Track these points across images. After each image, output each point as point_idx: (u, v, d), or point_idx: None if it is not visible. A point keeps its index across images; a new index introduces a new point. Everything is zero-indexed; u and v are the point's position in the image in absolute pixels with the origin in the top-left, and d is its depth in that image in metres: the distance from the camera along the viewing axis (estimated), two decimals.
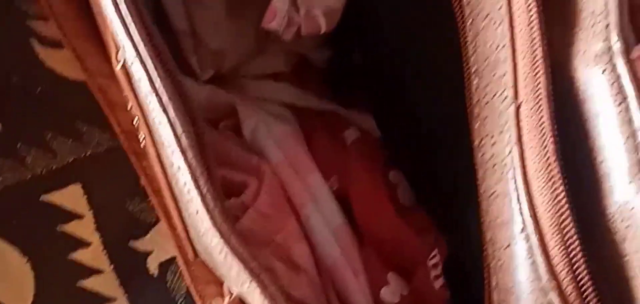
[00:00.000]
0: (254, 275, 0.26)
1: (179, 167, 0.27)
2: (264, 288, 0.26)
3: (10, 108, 0.49)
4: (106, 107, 0.48)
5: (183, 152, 0.27)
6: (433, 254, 0.34)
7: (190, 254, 0.34)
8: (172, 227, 0.44)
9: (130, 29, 0.27)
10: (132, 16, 0.27)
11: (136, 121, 0.34)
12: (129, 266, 0.49)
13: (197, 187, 0.27)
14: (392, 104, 0.37)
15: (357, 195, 0.35)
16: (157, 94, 0.27)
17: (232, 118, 0.36)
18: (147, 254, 0.50)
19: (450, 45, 0.31)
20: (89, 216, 0.49)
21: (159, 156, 0.31)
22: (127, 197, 0.49)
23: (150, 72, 0.27)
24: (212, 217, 0.27)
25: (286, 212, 0.33)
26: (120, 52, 0.30)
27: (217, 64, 0.37)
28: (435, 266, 0.33)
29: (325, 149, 0.36)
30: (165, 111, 0.27)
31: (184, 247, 0.37)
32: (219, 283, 0.38)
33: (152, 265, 0.50)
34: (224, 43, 0.35)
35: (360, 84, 0.39)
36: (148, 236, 0.50)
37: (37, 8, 0.50)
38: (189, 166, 0.27)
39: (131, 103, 0.32)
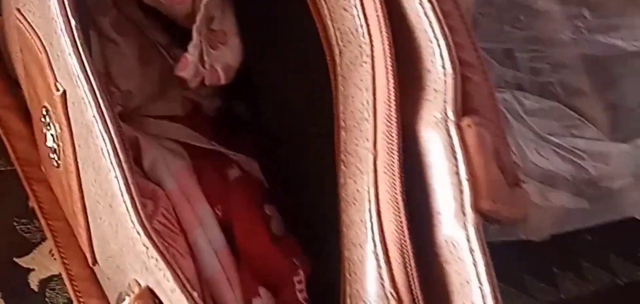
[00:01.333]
0: (171, 262, 0.32)
1: (115, 175, 0.33)
2: (177, 273, 0.32)
3: None
4: (4, 135, 0.53)
5: (120, 163, 0.33)
6: (298, 273, 0.41)
7: (90, 260, 0.39)
8: (65, 240, 0.49)
9: (85, 62, 0.33)
10: (84, 52, 0.33)
11: (54, 143, 0.40)
12: (12, 281, 0.53)
13: (129, 192, 0.33)
14: (270, 150, 0.44)
15: (238, 223, 0.42)
16: (103, 118, 0.33)
17: (134, 151, 0.42)
18: (29, 270, 0.53)
19: (322, 104, 0.39)
20: None
21: (78, 172, 0.37)
22: (15, 217, 0.53)
23: (99, 99, 0.33)
24: (139, 216, 0.33)
25: (176, 231, 0.40)
26: (59, 82, 0.35)
27: (124, 102, 0.43)
28: (299, 282, 0.41)
29: (212, 182, 0.43)
30: (108, 131, 0.33)
31: (80, 255, 0.41)
32: (104, 298, 0.44)
33: (33, 281, 0.53)
34: (133, 86, 0.41)
35: (243, 130, 0.46)
36: (31, 254, 0.53)
37: None
38: (123, 174, 0.32)
39: (60, 128, 0.37)
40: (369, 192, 0.35)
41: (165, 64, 0.43)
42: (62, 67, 0.35)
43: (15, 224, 0.52)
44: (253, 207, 0.42)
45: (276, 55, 0.42)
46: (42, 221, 0.52)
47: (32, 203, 0.53)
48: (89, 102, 0.33)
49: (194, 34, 0.40)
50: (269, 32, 0.42)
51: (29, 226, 0.52)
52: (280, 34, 0.42)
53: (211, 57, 0.41)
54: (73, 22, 0.33)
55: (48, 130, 0.41)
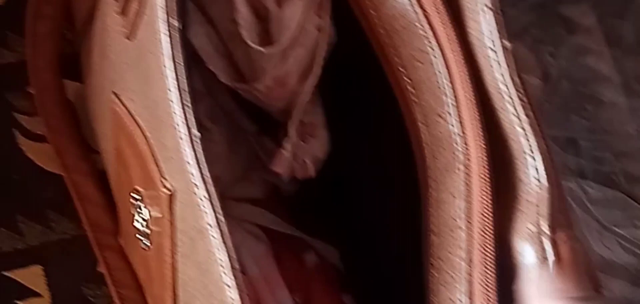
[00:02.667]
0: None
1: (228, 287, 0.33)
2: None
3: None
4: (77, 200, 0.54)
5: (236, 278, 0.34)
6: None
7: None
8: None
9: (205, 173, 0.34)
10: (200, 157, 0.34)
11: (145, 228, 0.41)
12: None
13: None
14: (353, 240, 0.45)
15: None
16: (220, 230, 0.34)
17: None
18: None
19: (409, 204, 0.40)
20: (46, 295, 0.53)
21: (174, 266, 0.38)
22: (84, 282, 0.54)
23: (217, 211, 0.34)
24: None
25: None
26: (169, 182, 0.36)
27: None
28: None
29: (291, 269, 0.44)
30: (224, 243, 0.34)
31: None
32: None
33: None
34: (221, 171, 0.42)
35: (319, 212, 0.47)
36: None
37: (23, 103, 0.55)
38: (239, 289, 0.33)
39: (158, 220, 0.38)
40: (462, 302, 0.36)
41: (251, 149, 0.44)
42: (175, 168, 0.36)
43: (82, 288, 0.53)
44: (332, 297, 0.43)
45: (366, 149, 0.43)
46: (112, 289, 0.53)
47: (102, 269, 0.53)
48: (206, 211, 0.34)
49: (290, 130, 0.41)
50: (360, 126, 0.43)
51: (97, 292, 0.53)
52: (371, 129, 0.43)
53: (301, 150, 0.42)
54: (196, 135, 0.34)
55: (138, 213, 0.42)
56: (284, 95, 0.41)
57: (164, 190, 0.37)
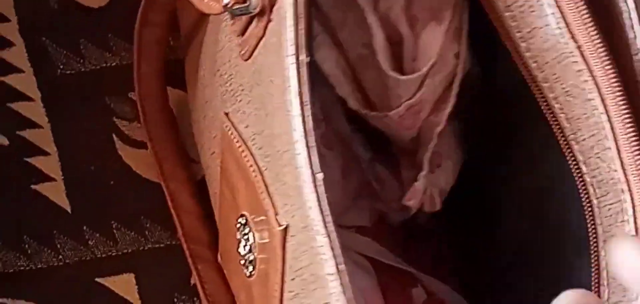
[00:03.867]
0: None
1: None
2: None
3: (83, 193, 0.54)
4: (173, 209, 0.53)
5: None
6: None
7: None
8: None
9: (327, 220, 0.32)
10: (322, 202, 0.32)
11: (251, 254, 0.39)
12: None
13: None
14: (475, 279, 0.43)
15: None
16: (341, 281, 0.32)
17: None
18: None
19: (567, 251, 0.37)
20: None
21: (281, 301, 0.36)
22: (176, 293, 0.53)
23: (337, 259, 0.32)
24: None
25: None
26: (283, 218, 0.35)
27: None
28: None
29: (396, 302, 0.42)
30: (343, 292, 0.32)
31: None
32: None
33: None
34: (333, 197, 0.40)
35: (425, 241, 0.46)
36: None
37: (124, 109, 0.55)
38: None
39: (266, 252, 0.37)
40: None
41: (362, 177, 0.43)
42: (292, 206, 0.34)
43: (175, 300, 0.53)
44: None
45: (514, 187, 0.41)
46: (205, 302, 0.52)
47: (195, 281, 0.53)
48: (327, 261, 0.32)
49: (425, 162, 0.39)
50: (510, 164, 0.41)
51: (189, 303, 0.53)
52: (521, 164, 0.41)
53: (431, 182, 0.40)
54: (320, 178, 0.32)
55: (244, 238, 0.40)
56: (416, 124, 0.39)
57: (277, 225, 0.35)
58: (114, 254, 0.53)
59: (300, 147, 0.32)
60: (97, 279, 0.52)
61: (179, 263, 0.53)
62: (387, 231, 0.45)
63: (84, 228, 0.53)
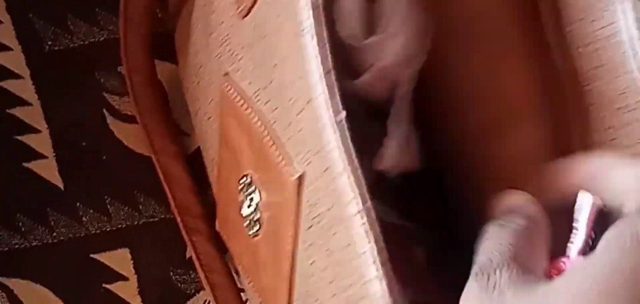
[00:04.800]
0: None
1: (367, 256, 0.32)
2: None
3: (75, 170, 0.53)
4: (165, 182, 0.53)
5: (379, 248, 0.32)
6: None
7: None
8: (224, 296, 0.49)
9: (349, 154, 0.32)
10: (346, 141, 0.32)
11: (256, 213, 0.39)
12: None
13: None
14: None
15: None
16: (368, 215, 0.32)
17: None
18: None
19: None
20: (133, 279, 0.52)
21: (294, 253, 0.36)
22: (172, 266, 0.53)
23: (362, 193, 0.32)
24: None
25: None
26: (297, 167, 0.35)
27: None
28: None
29: (402, 263, 0.42)
30: (372, 228, 0.32)
31: None
32: None
33: None
34: None
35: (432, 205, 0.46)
36: None
37: (114, 83, 0.55)
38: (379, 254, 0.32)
39: (276, 205, 0.37)
40: None
41: (362, 132, 0.43)
42: (310, 152, 0.34)
43: (171, 273, 0.53)
44: (444, 293, 0.42)
45: None
46: (201, 274, 0.52)
47: (191, 254, 0.53)
48: (353, 199, 0.32)
49: (390, 127, 0.39)
50: None
51: (184, 277, 0.53)
52: None
53: (410, 142, 0.40)
54: (341, 118, 0.32)
55: (247, 198, 0.40)
56: (387, 86, 0.39)
57: (292, 174, 0.35)
58: (108, 229, 0.53)
59: (320, 89, 0.32)
60: (92, 255, 0.52)
61: (174, 236, 0.53)
62: (387, 190, 0.45)
63: (78, 204, 0.53)
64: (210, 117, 0.45)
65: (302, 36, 0.32)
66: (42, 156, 0.53)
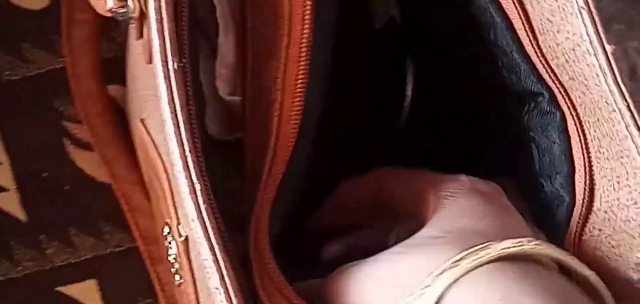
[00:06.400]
0: None
1: None
2: None
3: (37, 201, 0.52)
4: (128, 212, 0.52)
5: None
6: None
7: None
8: None
9: (211, 236, 0.30)
10: (209, 219, 0.30)
11: (178, 278, 0.38)
12: None
13: None
14: None
15: None
16: (227, 294, 0.30)
17: None
18: None
19: None
20: None
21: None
22: (140, 296, 0.52)
23: (224, 274, 0.30)
24: None
25: None
26: (183, 228, 0.33)
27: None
28: None
29: None
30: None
31: None
32: None
33: None
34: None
35: None
36: None
37: (72, 111, 0.53)
38: None
39: (180, 264, 0.35)
40: None
41: None
42: (185, 217, 0.32)
43: (139, 303, 0.51)
44: None
45: None
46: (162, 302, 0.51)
47: (154, 283, 0.51)
48: (212, 274, 0.30)
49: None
50: None
51: None
52: None
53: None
54: (199, 188, 0.30)
55: (170, 247, 0.39)
56: None
57: (179, 238, 0.33)
58: (73, 261, 0.52)
59: (176, 157, 0.30)
60: (58, 288, 0.51)
61: (141, 265, 0.52)
62: None
63: (41, 236, 0.52)
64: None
65: (160, 100, 0.30)
66: (3, 189, 0.52)
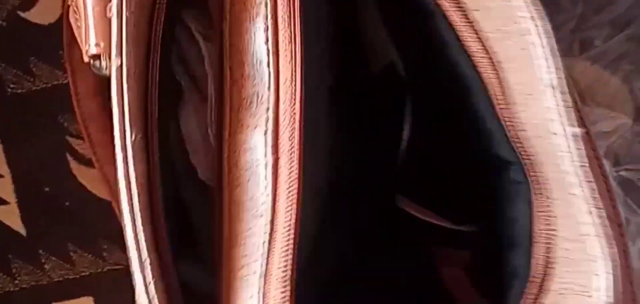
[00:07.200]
0: None
1: None
2: None
3: (38, 216, 0.52)
4: None
5: None
6: None
7: None
8: None
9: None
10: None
11: None
12: None
13: None
14: None
15: None
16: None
17: None
18: None
19: None
20: None
21: None
22: None
23: None
24: None
25: None
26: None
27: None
28: None
29: None
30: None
31: None
32: None
33: None
34: None
35: None
36: None
37: (77, 126, 0.53)
38: None
39: None
40: None
41: None
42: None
43: None
44: None
45: None
46: None
47: None
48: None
49: None
50: None
51: None
52: None
53: None
54: (145, 259, 0.30)
55: None
56: None
57: None
58: (71, 277, 0.52)
59: (129, 232, 0.30)
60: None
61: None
62: None
63: (40, 251, 0.52)
64: None
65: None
66: (4, 202, 0.52)
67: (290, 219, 0.31)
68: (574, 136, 0.33)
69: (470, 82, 0.35)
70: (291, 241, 0.31)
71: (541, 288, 0.33)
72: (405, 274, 0.43)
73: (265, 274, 0.31)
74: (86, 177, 0.53)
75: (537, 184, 0.34)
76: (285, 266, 0.30)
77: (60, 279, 0.51)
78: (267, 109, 0.31)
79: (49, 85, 0.53)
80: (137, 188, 0.30)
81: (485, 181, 0.37)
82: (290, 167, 0.31)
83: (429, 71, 0.39)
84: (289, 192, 0.31)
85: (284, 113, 0.31)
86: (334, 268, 0.38)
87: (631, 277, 0.33)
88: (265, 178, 0.31)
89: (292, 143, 0.31)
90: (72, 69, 0.48)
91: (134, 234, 0.30)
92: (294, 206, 0.31)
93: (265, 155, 0.31)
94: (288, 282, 0.30)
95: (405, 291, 0.42)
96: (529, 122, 0.34)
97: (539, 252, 0.33)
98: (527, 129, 0.34)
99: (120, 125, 0.30)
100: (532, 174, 0.34)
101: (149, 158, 0.31)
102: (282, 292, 0.30)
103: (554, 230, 0.33)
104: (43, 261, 0.51)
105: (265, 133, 0.31)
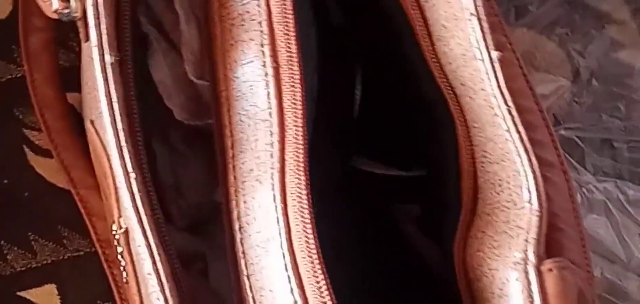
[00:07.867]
0: None
1: None
2: None
3: None
4: (86, 216, 0.53)
5: None
6: None
7: None
8: None
9: (144, 221, 0.32)
10: (144, 207, 0.32)
11: (124, 274, 0.39)
12: None
13: None
14: None
15: None
16: (159, 277, 0.31)
17: (200, 262, 0.41)
18: None
19: None
20: None
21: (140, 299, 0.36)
22: (99, 300, 0.53)
23: (156, 259, 0.32)
24: None
25: None
26: (123, 220, 0.34)
27: (193, 215, 0.42)
28: None
29: None
30: (162, 291, 0.32)
31: None
32: None
33: None
34: (201, 197, 0.40)
35: None
36: None
37: (32, 119, 0.54)
38: None
39: (126, 262, 0.37)
40: None
41: None
42: (125, 210, 0.34)
43: None
44: None
45: None
46: None
47: (112, 287, 0.52)
48: (145, 260, 0.32)
49: None
50: None
51: None
52: None
53: None
54: (132, 176, 0.32)
55: (117, 245, 0.40)
56: None
57: (120, 230, 0.35)
58: (33, 266, 0.53)
59: (112, 146, 0.31)
60: (19, 293, 0.52)
61: (100, 269, 0.52)
62: None
63: (2, 242, 0.53)
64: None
65: (99, 94, 0.32)
66: None
67: (296, 117, 0.33)
68: (498, 59, 0.35)
69: (402, 28, 0.37)
70: (301, 137, 0.32)
71: (473, 214, 0.35)
72: (372, 234, 0.45)
73: (281, 170, 0.32)
74: (44, 167, 0.54)
75: (461, 117, 0.36)
76: (298, 158, 0.32)
77: (23, 268, 0.52)
78: (260, 23, 0.33)
79: (4, 79, 0.54)
80: (119, 107, 0.31)
81: (419, 124, 0.40)
82: (291, 73, 0.33)
83: (372, 29, 0.42)
84: (293, 93, 0.33)
85: (278, 24, 0.33)
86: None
87: (572, 190, 0.35)
88: (267, 86, 0.33)
89: (290, 51, 0.33)
90: (28, 56, 0.49)
91: (119, 149, 0.31)
92: (300, 105, 0.33)
93: (265, 65, 0.33)
94: (302, 172, 0.32)
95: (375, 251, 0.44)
96: (452, 54, 0.36)
97: (466, 181, 0.35)
98: (451, 61, 0.36)
99: (98, 48, 0.32)
100: (456, 106, 0.36)
101: (125, 83, 0.32)
102: (298, 181, 0.31)
103: (479, 156, 0.36)
104: (5, 251, 0.52)
105: (262, 45, 0.33)
